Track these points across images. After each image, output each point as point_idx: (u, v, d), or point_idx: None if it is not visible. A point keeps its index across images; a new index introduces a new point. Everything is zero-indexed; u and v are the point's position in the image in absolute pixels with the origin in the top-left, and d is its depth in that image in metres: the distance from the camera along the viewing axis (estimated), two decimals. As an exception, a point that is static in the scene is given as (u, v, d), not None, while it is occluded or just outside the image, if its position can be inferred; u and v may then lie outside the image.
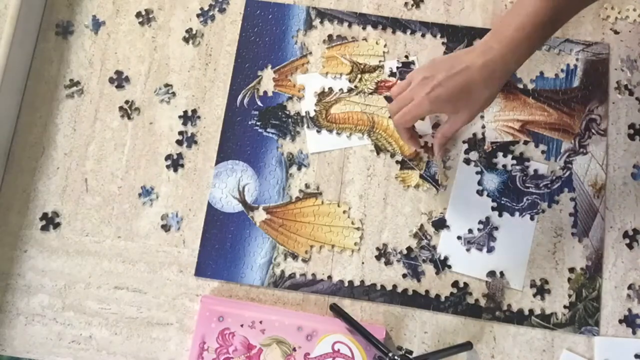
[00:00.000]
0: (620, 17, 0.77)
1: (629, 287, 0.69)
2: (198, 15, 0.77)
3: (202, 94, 0.75)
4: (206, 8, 0.77)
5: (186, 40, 0.76)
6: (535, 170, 0.71)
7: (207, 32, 0.77)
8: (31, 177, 0.72)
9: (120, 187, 0.72)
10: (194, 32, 0.76)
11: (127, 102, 0.74)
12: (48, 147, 0.73)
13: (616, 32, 0.76)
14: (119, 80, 0.75)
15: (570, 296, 0.69)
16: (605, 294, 0.69)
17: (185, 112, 0.74)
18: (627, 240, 0.70)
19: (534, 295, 0.69)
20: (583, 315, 0.68)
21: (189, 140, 0.73)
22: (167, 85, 0.75)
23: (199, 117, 0.74)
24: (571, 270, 0.70)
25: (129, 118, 0.74)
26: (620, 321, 0.68)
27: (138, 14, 0.77)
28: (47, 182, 0.72)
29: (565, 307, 0.69)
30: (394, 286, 0.69)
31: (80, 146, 0.73)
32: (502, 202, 0.71)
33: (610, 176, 0.72)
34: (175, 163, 0.73)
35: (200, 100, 0.75)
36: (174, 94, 0.75)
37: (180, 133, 0.73)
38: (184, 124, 0.74)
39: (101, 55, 0.76)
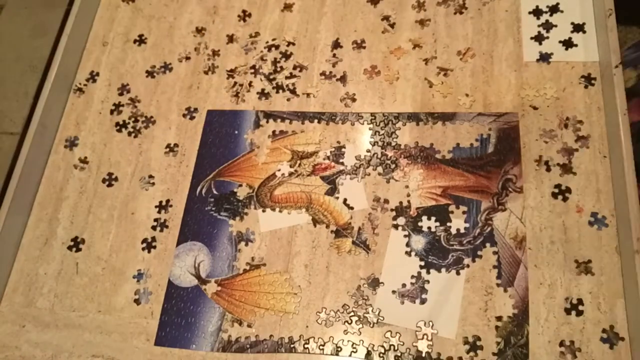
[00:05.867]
0: (537, 95, 0.86)
1: (560, 344, 0.70)
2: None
3: (175, 186, 0.90)
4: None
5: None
6: (458, 229, 0.77)
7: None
8: (34, 263, 0.88)
9: (103, 269, 0.86)
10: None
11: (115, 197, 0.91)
12: (50, 238, 0.90)
13: (535, 108, 0.85)
14: (110, 180, 0.93)
15: (498, 343, 0.70)
16: (539, 349, 0.70)
17: (161, 202, 0.89)
18: (559, 298, 0.72)
19: (467, 352, 0.71)
20: (511, 364, 0.69)
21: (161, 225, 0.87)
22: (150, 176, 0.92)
23: (171, 206, 0.89)
24: (498, 318, 0.72)
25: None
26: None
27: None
28: (46, 267, 0.88)
29: (493, 354, 0.70)
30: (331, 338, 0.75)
31: (75, 236, 0.89)
32: (429, 260, 0.76)
33: (538, 236, 0.77)
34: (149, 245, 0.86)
35: (174, 191, 0.90)
36: (153, 184, 0.91)
37: (155, 220, 0.88)
38: (159, 212, 0.89)
39: (98, 161, 0.95)
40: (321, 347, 0.74)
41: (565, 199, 0.78)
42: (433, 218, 0.79)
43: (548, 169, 0.80)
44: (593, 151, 0.81)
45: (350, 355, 0.74)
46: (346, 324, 0.75)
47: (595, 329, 0.70)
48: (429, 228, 0.78)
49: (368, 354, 0.73)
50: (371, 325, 0.75)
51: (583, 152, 0.81)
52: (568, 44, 0.88)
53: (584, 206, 0.77)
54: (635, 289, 0.69)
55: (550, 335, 0.71)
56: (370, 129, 0.87)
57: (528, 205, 0.78)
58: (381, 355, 0.73)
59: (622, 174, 0.75)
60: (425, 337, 0.73)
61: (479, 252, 0.76)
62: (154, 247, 0.86)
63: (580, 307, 0.71)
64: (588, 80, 0.85)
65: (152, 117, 0.97)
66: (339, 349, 0.74)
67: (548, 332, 0.71)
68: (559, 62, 0.87)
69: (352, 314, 0.76)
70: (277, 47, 0.98)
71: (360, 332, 0.75)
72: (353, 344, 0.74)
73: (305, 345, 0.75)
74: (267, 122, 0.91)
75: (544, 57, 0.88)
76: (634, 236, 0.70)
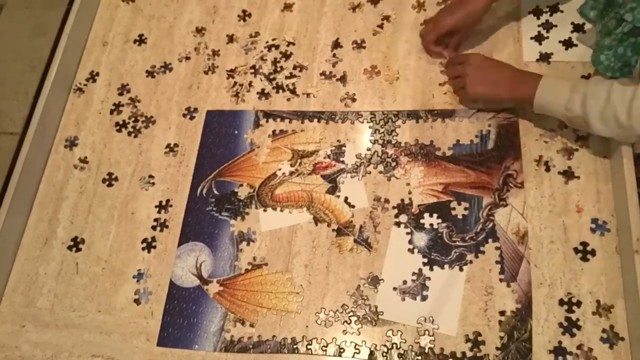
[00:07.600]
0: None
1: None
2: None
3: (175, 186, 0.90)
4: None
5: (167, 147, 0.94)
6: (460, 226, 0.77)
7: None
8: (34, 263, 0.88)
9: (103, 269, 0.85)
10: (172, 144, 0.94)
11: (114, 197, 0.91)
12: (50, 238, 0.89)
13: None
14: (110, 180, 0.92)
15: (502, 338, 0.70)
16: (539, 349, 0.70)
17: (161, 202, 0.89)
18: (559, 298, 0.73)
19: (471, 349, 0.71)
20: (515, 357, 0.69)
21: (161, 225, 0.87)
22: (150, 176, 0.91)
23: (171, 206, 0.89)
24: (502, 313, 0.72)
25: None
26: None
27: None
28: (46, 267, 0.87)
29: (497, 348, 0.70)
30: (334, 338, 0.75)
31: (75, 236, 0.89)
32: (432, 256, 0.76)
33: (538, 235, 0.76)
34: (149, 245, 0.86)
35: (174, 191, 0.90)
36: (153, 184, 0.91)
37: (155, 220, 0.88)
38: (159, 212, 0.88)
39: (98, 161, 0.95)
40: (324, 348, 0.74)
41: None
42: (435, 215, 0.79)
43: (548, 169, 0.80)
44: (593, 151, 0.81)
45: (353, 356, 0.73)
46: (345, 324, 0.75)
47: (595, 329, 0.70)
48: (431, 225, 0.79)
49: (371, 354, 0.73)
50: (373, 324, 0.75)
51: (583, 152, 0.81)
52: (568, 43, 0.88)
53: (584, 206, 0.77)
54: (635, 289, 0.68)
55: (551, 335, 0.70)
56: (370, 127, 0.87)
57: (528, 205, 0.78)
58: (384, 354, 0.72)
59: (621, 174, 0.74)
60: (426, 332, 0.72)
61: (481, 248, 0.76)
62: (154, 247, 0.85)
63: (581, 307, 0.72)
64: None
65: (152, 117, 0.96)
66: (342, 350, 0.74)
67: (548, 332, 0.70)
68: (559, 62, 0.87)
69: (351, 314, 0.76)
70: (277, 47, 0.98)
71: (360, 332, 0.74)
72: (356, 344, 0.74)
73: (308, 346, 0.75)
74: (267, 121, 0.91)
75: (544, 57, 0.88)
76: (633, 236, 0.70)
